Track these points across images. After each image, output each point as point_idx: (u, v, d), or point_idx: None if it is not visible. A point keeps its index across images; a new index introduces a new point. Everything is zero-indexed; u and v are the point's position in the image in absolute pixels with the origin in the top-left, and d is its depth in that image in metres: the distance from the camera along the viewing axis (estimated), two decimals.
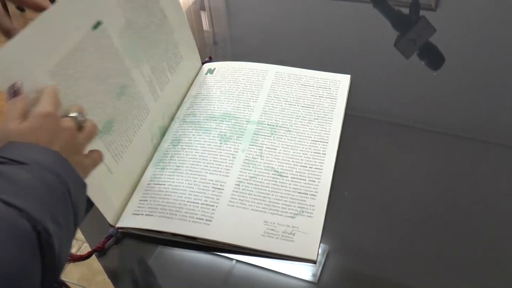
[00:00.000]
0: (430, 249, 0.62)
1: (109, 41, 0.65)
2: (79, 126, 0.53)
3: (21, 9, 2.72)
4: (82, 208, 0.49)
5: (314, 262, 0.61)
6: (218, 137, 0.75)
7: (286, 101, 0.80)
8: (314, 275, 0.61)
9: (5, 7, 2.51)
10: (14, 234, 0.39)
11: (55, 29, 0.56)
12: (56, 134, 0.49)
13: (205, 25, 1.14)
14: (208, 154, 0.73)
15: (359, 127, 0.79)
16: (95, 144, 0.60)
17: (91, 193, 0.59)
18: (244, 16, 1.11)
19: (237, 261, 0.64)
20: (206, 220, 0.65)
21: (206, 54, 0.94)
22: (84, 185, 0.50)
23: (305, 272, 0.61)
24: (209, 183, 0.69)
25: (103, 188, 0.65)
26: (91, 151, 0.55)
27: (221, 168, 0.71)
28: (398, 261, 0.62)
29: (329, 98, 0.81)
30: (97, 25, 0.63)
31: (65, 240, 0.44)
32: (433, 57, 0.97)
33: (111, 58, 0.66)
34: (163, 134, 0.78)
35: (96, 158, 0.56)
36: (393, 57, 0.95)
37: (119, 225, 0.67)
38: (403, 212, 0.67)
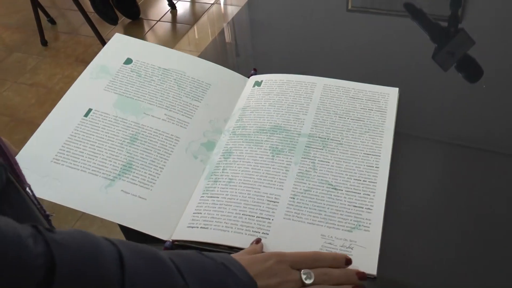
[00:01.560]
0: (485, 271, 0.62)
1: (104, 117, 0.80)
2: (303, 283, 0.57)
3: (52, 22, 2.78)
4: None
5: (374, 277, 0.61)
6: (269, 149, 0.76)
7: (336, 113, 0.80)
8: None
9: (38, 20, 2.56)
10: None
11: (54, 127, 0.78)
12: (279, 279, 0.56)
13: (227, 37, 1.15)
14: (260, 166, 0.73)
15: (410, 140, 0.78)
16: (117, 185, 0.72)
17: (131, 223, 0.69)
18: (268, 28, 1.12)
19: None
20: (263, 233, 0.65)
21: (251, 66, 0.94)
22: None
23: None
24: (264, 196, 0.69)
25: (141, 215, 0.70)
26: None
27: (275, 181, 0.71)
28: (448, 278, 0.61)
29: (378, 111, 0.80)
30: (88, 112, 0.80)
31: None
32: (471, 70, 0.96)
33: (111, 125, 0.79)
34: (211, 149, 0.79)
35: None
36: (432, 70, 0.94)
37: (174, 237, 0.68)
38: (458, 229, 0.66)
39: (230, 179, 0.73)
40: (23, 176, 0.55)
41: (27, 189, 0.55)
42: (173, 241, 0.67)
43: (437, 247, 0.64)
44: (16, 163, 0.54)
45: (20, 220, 0.49)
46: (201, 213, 0.69)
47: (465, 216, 0.67)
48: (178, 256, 0.51)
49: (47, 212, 0.58)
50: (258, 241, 0.64)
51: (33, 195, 0.56)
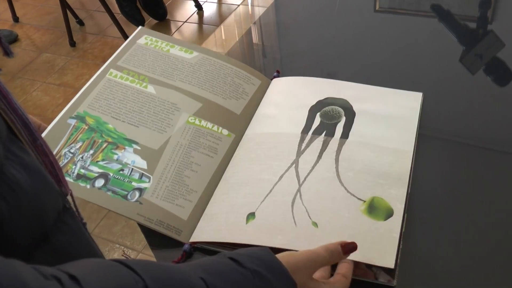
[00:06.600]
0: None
1: None
2: None
3: (80, 23, 2.82)
4: None
5: (393, 287, 0.59)
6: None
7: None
8: None
9: (67, 22, 2.61)
10: None
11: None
12: None
13: (254, 37, 1.14)
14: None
15: (432, 145, 0.77)
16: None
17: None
18: (294, 29, 1.11)
19: None
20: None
21: (276, 68, 0.94)
22: None
23: None
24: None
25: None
26: None
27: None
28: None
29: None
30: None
31: None
32: (500, 73, 0.93)
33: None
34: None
35: None
36: (460, 73, 0.92)
37: (192, 240, 0.67)
38: (483, 237, 0.64)
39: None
40: (68, 187, 0.53)
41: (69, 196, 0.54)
42: (192, 243, 0.67)
43: (460, 256, 0.62)
44: (63, 177, 0.53)
45: (74, 246, 0.48)
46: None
47: (491, 223, 0.65)
48: (210, 272, 0.45)
49: (84, 221, 0.57)
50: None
51: (75, 205, 0.55)
